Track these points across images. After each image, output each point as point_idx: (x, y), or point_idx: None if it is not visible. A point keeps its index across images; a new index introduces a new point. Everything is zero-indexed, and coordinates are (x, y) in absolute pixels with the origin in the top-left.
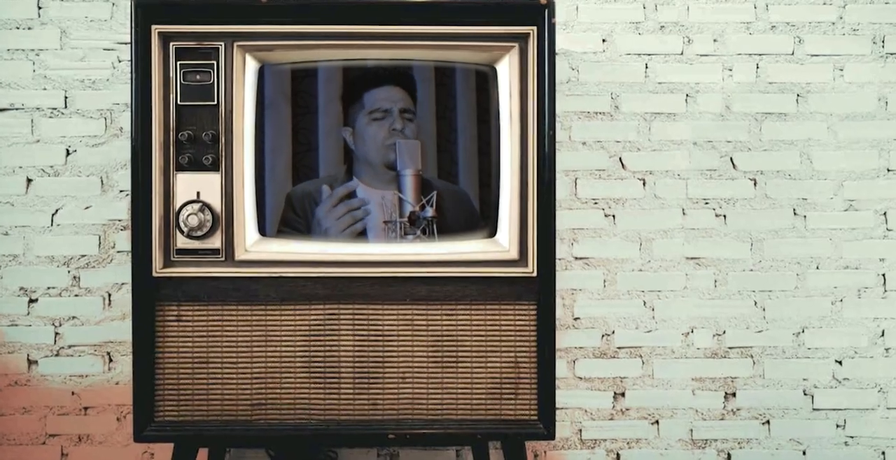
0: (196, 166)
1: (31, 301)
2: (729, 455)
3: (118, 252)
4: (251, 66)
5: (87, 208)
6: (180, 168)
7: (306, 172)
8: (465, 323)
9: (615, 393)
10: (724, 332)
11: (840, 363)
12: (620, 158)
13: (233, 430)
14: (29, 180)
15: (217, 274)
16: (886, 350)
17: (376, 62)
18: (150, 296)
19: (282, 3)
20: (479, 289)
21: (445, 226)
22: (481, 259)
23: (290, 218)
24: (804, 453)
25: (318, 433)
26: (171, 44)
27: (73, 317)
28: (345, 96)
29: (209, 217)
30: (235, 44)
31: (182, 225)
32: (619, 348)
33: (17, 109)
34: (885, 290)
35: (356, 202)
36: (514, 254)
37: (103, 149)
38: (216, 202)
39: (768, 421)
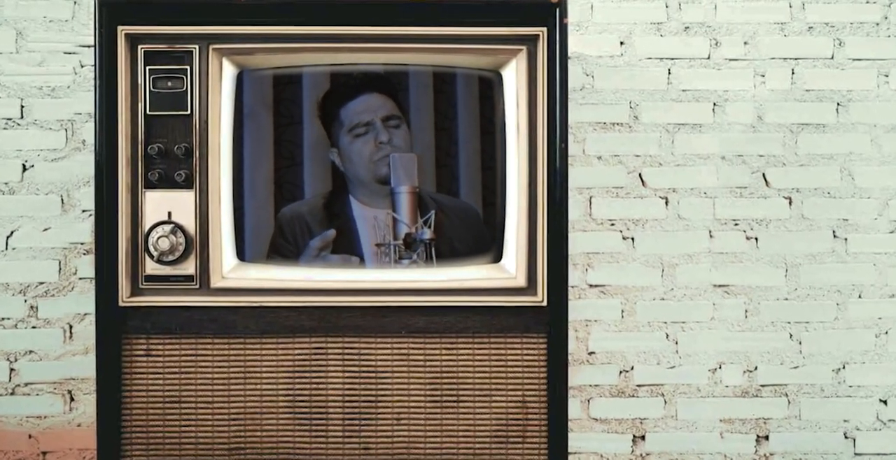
0: (167, 183)
1: None
2: None
3: (80, 279)
4: (229, 71)
5: (45, 230)
6: (150, 185)
7: (290, 190)
8: (467, 358)
9: (634, 436)
10: (756, 368)
11: (885, 402)
12: (640, 174)
13: None
14: None
15: (191, 303)
16: None
17: (349, 68)
18: (115, 328)
19: (263, 1)
20: (483, 321)
21: (445, 250)
22: (485, 286)
23: (279, 243)
24: None
25: None
26: (140, 47)
27: (30, 352)
28: (323, 116)
29: (182, 240)
30: (211, 47)
31: (152, 248)
32: (638, 386)
33: None
34: None
35: (336, 260)
36: (521, 281)
37: (64, 165)
38: (190, 223)
39: None
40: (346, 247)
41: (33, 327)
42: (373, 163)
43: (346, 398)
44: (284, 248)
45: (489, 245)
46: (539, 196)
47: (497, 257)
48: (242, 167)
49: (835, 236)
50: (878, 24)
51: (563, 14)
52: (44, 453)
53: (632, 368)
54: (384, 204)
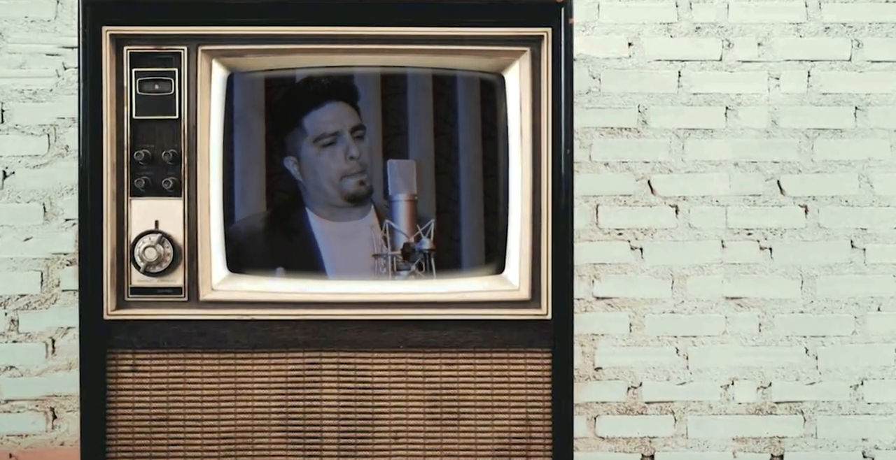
0: (154, 191)
1: None
2: None
3: (63, 291)
4: (218, 73)
5: (26, 240)
6: (136, 193)
7: (283, 197)
8: (467, 373)
9: (643, 455)
10: (770, 385)
11: None
12: (649, 181)
13: None
14: None
15: (179, 316)
16: None
17: (309, 71)
18: (100, 343)
19: (254, 0)
20: (485, 335)
21: (445, 261)
22: (487, 299)
23: (240, 264)
24: None
25: None
26: (126, 48)
27: (11, 367)
28: (278, 124)
29: (169, 250)
30: (200, 48)
31: (138, 259)
32: (647, 403)
33: None
34: None
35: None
36: (525, 293)
37: (46, 171)
38: (178, 233)
39: None
40: (307, 264)
41: (14, 341)
42: (341, 180)
43: (342, 416)
44: (249, 268)
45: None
46: (543, 204)
47: (499, 268)
48: (233, 174)
49: (853, 246)
50: None
51: (569, 14)
52: None
53: (640, 384)
54: (345, 217)
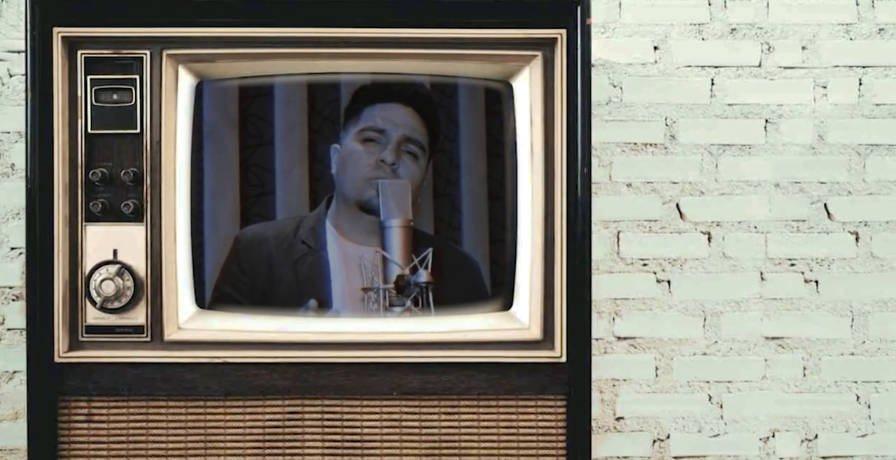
0: (113, 216)
1: None
2: None
3: (8, 330)
4: (186, 81)
5: None
6: (92, 218)
7: (259, 222)
8: (470, 424)
9: None
10: (817, 437)
11: None
12: (678, 205)
13: None
14: None
15: (140, 358)
16: None
17: (378, 76)
18: (51, 389)
19: None
20: (490, 380)
21: (444, 295)
22: (493, 339)
23: (233, 273)
24: None
25: None
26: (80, 52)
27: None
28: (347, 109)
29: (130, 283)
30: (165, 52)
31: (94, 293)
32: (675, 458)
33: None
34: None
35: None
36: (535, 332)
37: None
38: (139, 263)
39: None
40: (313, 288)
41: None
42: (363, 181)
43: None
44: (238, 281)
45: (485, 295)
46: (557, 231)
47: (506, 304)
48: (202, 196)
49: None
50: None
51: (586, 13)
52: None
53: (668, 437)
54: (365, 239)
